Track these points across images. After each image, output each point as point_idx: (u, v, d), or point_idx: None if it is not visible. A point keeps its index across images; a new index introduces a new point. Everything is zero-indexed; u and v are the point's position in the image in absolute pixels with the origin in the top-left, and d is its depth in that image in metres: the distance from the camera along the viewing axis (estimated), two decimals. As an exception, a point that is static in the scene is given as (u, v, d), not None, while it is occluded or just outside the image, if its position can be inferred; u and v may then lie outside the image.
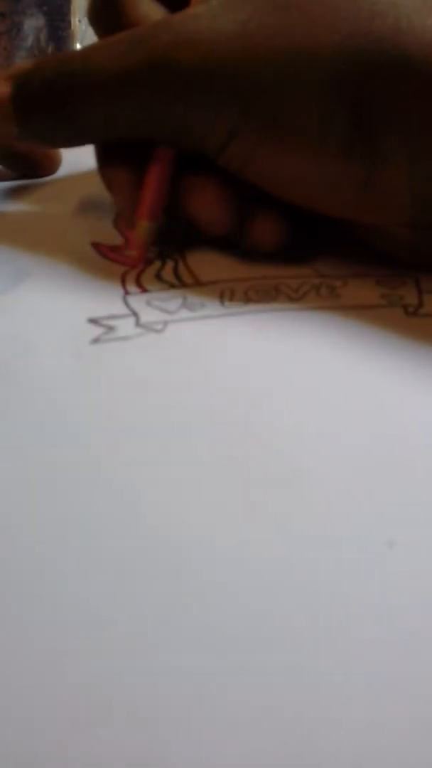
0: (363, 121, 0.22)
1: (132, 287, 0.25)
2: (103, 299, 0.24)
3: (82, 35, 0.46)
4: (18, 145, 0.33)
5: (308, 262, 0.26)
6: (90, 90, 0.25)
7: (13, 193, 0.34)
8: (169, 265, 0.26)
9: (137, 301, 0.24)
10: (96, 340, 0.22)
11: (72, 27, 0.45)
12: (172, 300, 0.24)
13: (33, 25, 0.43)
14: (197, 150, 0.25)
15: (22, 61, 0.43)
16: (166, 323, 0.23)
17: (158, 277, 0.26)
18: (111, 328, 0.22)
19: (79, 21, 0.45)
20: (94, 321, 0.23)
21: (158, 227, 0.26)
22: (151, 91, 0.24)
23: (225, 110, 0.23)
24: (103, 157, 0.27)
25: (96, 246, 0.28)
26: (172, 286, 0.25)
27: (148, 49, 0.24)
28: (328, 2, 0.23)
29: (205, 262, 0.26)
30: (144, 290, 0.25)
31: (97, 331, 0.22)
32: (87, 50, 0.26)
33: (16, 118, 0.26)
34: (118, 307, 0.24)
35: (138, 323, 0.23)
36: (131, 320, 0.23)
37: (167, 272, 0.26)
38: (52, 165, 0.37)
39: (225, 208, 0.25)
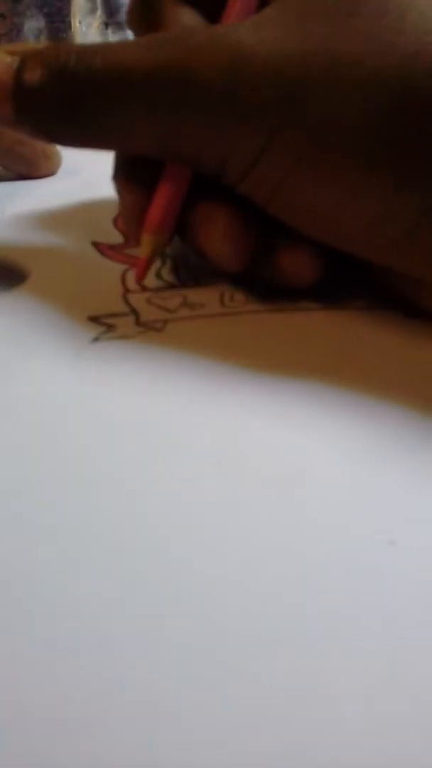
0: (423, 154, 0.19)
1: (132, 286, 0.25)
2: (103, 297, 0.24)
3: (83, 36, 0.47)
4: (12, 133, 0.31)
5: (340, 300, 0.24)
6: (105, 88, 0.22)
7: (13, 193, 0.34)
8: (169, 264, 0.26)
9: (137, 299, 0.24)
10: (96, 339, 0.22)
11: (72, 28, 0.45)
12: (172, 299, 0.24)
13: (33, 26, 0.43)
14: (216, 173, 0.22)
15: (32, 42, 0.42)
16: (166, 322, 0.23)
17: (158, 275, 0.26)
18: (111, 327, 0.22)
19: (80, 22, 0.45)
20: (94, 319, 0.23)
21: (165, 243, 0.24)
22: (167, 99, 0.21)
23: (252, 126, 0.20)
24: (119, 168, 0.25)
25: (96, 245, 0.28)
26: (172, 285, 0.25)
27: (167, 52, 0.21)
28: (394, 13, 0.20)
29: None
30: (144, 289, 0.25)
31: (97, 329, 0.22)
32: (105, 46, 0.23)
33: (16, 102, 0.23)
34: (119, 306, 0.24)
35: (138, 322, 0.23)
36: (131, 319, 0.23)
37: (167, 271, 0.26)
38: (51, 165, 0.37)
39: (239, 245, 0.23)
